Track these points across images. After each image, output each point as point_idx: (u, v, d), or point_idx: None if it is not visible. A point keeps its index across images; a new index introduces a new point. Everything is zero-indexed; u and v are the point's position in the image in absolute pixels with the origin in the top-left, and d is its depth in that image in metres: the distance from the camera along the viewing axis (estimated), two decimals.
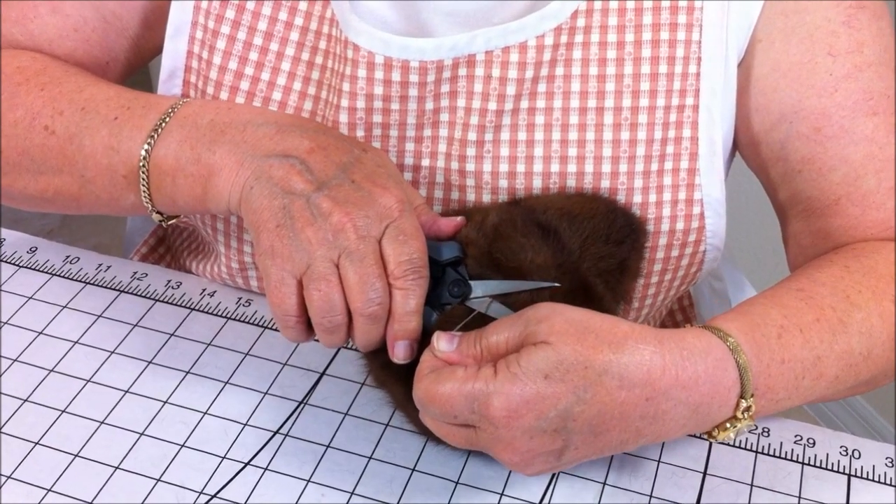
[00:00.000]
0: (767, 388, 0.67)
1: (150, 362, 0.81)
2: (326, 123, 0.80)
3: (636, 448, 0.70)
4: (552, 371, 0.61)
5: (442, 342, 0.65)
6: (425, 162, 0.81)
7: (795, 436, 0.76)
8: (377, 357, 0.70)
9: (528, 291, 0.68)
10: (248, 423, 0.77)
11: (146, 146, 0.73)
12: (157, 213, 0.77)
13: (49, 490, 0.72)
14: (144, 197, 0.75)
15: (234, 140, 0.71)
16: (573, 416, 0.62)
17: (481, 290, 0.68)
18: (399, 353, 0.67)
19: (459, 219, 0.71)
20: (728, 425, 0.67)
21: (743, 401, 0.66)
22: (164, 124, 0.74)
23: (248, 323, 0.85)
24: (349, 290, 0.65)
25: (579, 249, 0.70)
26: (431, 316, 0.68)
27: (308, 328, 0.68)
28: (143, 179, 0.74)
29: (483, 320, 0.67)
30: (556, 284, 0.68)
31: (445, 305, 0.68)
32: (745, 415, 0.66)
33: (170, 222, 0.79)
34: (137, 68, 0.92)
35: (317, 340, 0.69)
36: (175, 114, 0.74)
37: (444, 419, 0.64)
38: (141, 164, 0.74)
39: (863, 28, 0.79)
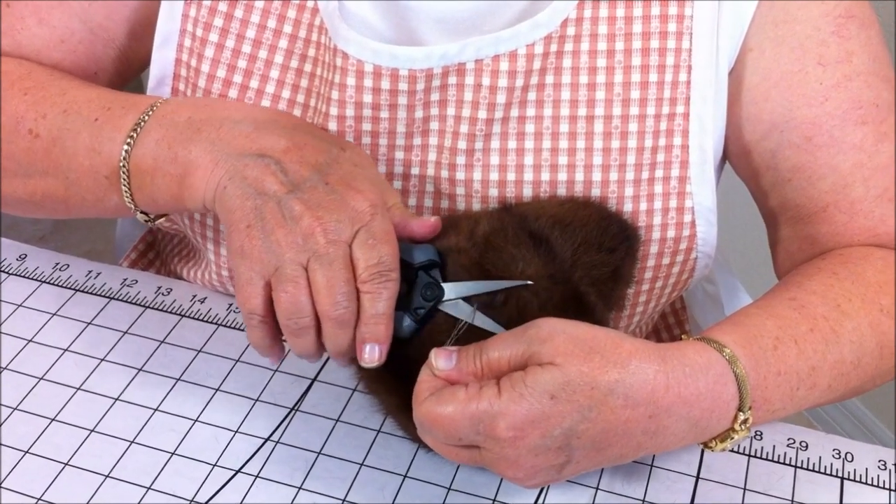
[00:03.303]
0: (764, 400, 0.68)
1: (140, 370, 0.81)
2: None
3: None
4: (559, 392, 0.61)
5: (441, 360, 0.64)
6: (415, 170, 0.81)
7: (788, 439, 0.76)
8: None
9: (509, 293, 0.67)
10: (239, 430, 0.77)
11: (126, 146, 0.74)
12: (142, 213, 0.77)
13: (39, 499, 0.72)
14: (126, 197, 0.75)
15: (210, 138, 0.71)
16: (577, 434, 0.62)
17: (454, 293, 0.68)
18: (367, 356, 0.66)
19: (433, 219, 0.71)
20: (725, 436, 0.67)
21: (741, 413, 0.66)
22: (143, 124, 0.74)
23: (238, 329, 0.85)
24: (317, 293, 0.65)
25: (571, 258, 0.70)
26: (404, 320, 0.68)
27: (276, 332, 0.68)
28: (125, 179, 0.75)
29: (472, 332, 0.67)
30: (529, 283, 0.67)
31: (418, 310, 0.68)
32: (743, 426, 0.67)
33: (157, 222, 0.79)
34: (128, 78, 0.92)
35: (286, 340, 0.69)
36: (153, 113, 0.75)
37: (448, 441, 0.64)
38: (121, 164, 0.74)
39: (852, 38, 0.79)
